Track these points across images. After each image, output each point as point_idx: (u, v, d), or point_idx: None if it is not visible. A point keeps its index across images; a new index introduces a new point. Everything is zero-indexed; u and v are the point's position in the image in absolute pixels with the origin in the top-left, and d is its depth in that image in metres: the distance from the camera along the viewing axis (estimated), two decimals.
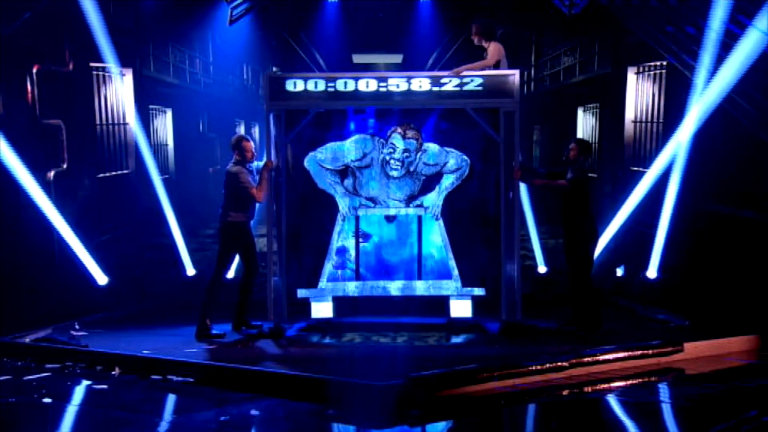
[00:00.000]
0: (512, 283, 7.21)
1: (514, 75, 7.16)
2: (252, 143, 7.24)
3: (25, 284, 7.56)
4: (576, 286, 7.08)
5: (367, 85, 7.17)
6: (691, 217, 8.42)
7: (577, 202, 6.95)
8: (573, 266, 7.07)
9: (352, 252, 7.54)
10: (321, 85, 7.17)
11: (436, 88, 7.15)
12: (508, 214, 7.23)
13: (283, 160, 7.38)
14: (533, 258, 9.97)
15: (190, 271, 9.31)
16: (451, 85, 7.12)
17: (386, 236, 7.56)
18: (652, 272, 8.29)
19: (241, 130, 20.69)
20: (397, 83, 7.17)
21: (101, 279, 8.35)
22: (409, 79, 7.20)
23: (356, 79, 7.21)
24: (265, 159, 7.22)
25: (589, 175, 7.20)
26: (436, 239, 7.50)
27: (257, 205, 7.24)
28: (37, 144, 8.17)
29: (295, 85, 7.19)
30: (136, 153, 10.72)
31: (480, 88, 7.12)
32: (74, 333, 7.16)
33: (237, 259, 7.40)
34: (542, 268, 9.41)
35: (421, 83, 7.16)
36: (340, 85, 7.17)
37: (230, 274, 9.04)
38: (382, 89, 7.18)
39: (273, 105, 7.20)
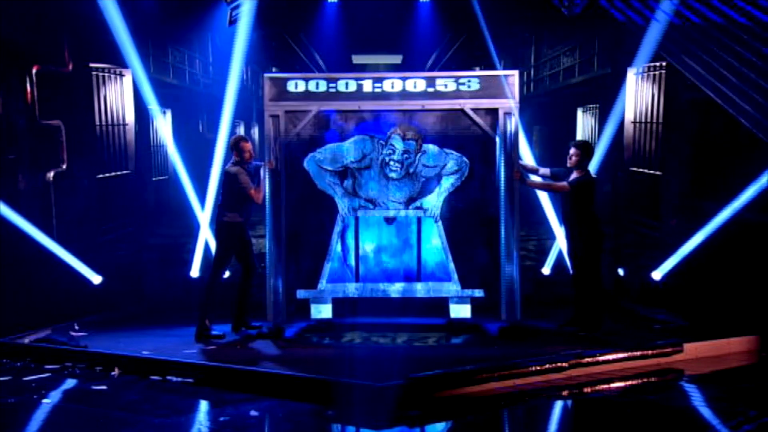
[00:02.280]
0: (512, 284, 7.21)
1: (514, 75, 7.21)
2: (250, 144, 7.25)
3: (24, 285, 7.56)
4: (580, 287, 7.08)
5: (366, 86, 7.23)
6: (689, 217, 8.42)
7: (580, 204, 6.95)
8: (578, 268, 7.08)
9: (352, 253, 7.54)
10: (321, 86, 7.23)
11: (433, 89, 7.20)
12: (507, 215, 7.24)
13: (283, 161, 7.39)
14: (534, 259, 9.96)
15: (194, 272, 9.29)
16: (449, 85, 7.17)
17: (386, 238, 7.55)
18: (657, 275, 8.22)
19: (241, 130, 20.70)
20: (396, 84, 7.22)
21: (95, 279, 8.34)
22: (408, 79, 7.25)
23: (356, 80, 7.25)
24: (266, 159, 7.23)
25: (593, 176, 7.19)
26: (435, 241, 7.49)
27: (254, 205, 7.24)
28: (36, 144, 8.17)
29: (296, 86, 7.22)
30: (136, 154, 10.71)
31: (478, 88, 7.17)
32: (74, 334, 7.15)
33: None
34: (546, 270, 9.39)
35: (419, 83, 7.21)
36: (340, 86, 7.22)
37: (226, 274, 9.02)
38: (381, 90, 7.22)
39: (272, 106, 7.23)
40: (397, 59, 22.21)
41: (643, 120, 10.06)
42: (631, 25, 9.07)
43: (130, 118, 10.62)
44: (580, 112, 14.74)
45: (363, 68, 23.82)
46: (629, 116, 10.55)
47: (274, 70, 10.27)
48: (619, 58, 10.82)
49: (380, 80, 7.24)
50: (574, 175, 7.01)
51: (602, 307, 7.02)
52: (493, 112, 7.20)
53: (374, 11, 15.02)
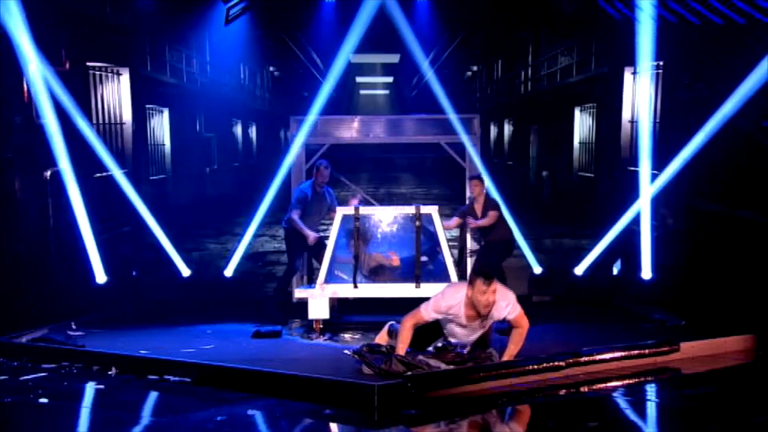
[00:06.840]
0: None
1: (476, 118, 8.78)
2: (326, 171, 7.95)
3: (21, 284, 7.54)
4: None
5: (370, 124, 8.87)
6: (686, 217, 8.44)
7: (501, 227, 7.97)
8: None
9: (351, 253, 7.54)
10: (334, 125, 8.79)
11: (421, 126, 8.78)
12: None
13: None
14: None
15: (185, 272, 9.27)
16: (431, 124, 8.73)
17: (384, 237, 7.58)
18: (646, 273, 8.27)
19: (238, 130, 20.67)
20: (392, 123, 8.83)
21: (101, 277, 8.34)
22: (402, 120, 8.84)
23: (362, 121, 8.85)
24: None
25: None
26: (432, 240, 7.52)
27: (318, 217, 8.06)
28: (33, 143, 8.15)
29: (314, 125, 8.69)
30: (133, 153, 10.72)
31: (451, 127, 8.69)
32: (71, 333, 7.14)
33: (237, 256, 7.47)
34: (537, 269, 9.41)
35: (410, 122, 8.78)
36: (348, 124, 8.78)
37: (228, 272, 9.06)
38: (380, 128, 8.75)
39: (297, 140, 8.58)
40: (394, 58, 22.21)
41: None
42: (630, 24, 9.09)
43: (127, 117, 10.62)
44: (577, 111, 14.76)
45: (361, 67, 23.79)
46: (626, 115, 10.58)
47: (271, 69, 10.50)
48: (617, 57, 10.84)
49: (380, 121, 8.89)
50: (489, 203, 7.94)
51: None
52: (460, 144, 8.67)
53: (372, 10, 15.02)
